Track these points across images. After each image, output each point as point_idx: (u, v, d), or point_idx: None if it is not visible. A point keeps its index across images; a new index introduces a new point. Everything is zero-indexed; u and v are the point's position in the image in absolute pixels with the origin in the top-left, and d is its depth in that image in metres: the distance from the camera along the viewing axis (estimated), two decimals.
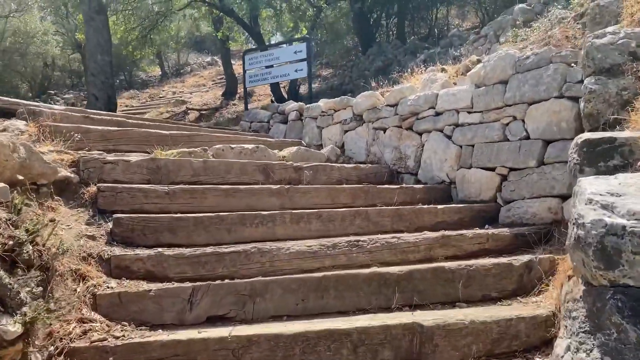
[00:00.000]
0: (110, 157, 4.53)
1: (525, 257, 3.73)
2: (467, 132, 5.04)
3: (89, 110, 6.21)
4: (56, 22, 21.30)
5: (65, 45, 21.40)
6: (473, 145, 4.98)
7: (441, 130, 5.35)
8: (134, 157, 4.60)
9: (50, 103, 22.75)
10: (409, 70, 7.52)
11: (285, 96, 15.55)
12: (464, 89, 5.16)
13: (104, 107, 10.53)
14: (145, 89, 25.29)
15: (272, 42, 17.48)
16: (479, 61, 6.75)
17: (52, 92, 23.91)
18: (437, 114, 5.41)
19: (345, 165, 5.62)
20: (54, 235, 3.53)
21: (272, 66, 9.97)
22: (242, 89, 12.07)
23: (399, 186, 5.07)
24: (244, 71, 10.13)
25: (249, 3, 14.55)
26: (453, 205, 4.70)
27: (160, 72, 27.64)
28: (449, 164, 5.21)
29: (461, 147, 5.13)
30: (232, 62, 29.21)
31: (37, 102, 22.80)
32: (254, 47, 17.23)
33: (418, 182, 5.56)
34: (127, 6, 16.51)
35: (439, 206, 4.63)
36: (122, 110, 21.81)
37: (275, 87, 13.51)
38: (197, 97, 21.39)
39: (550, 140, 4.37)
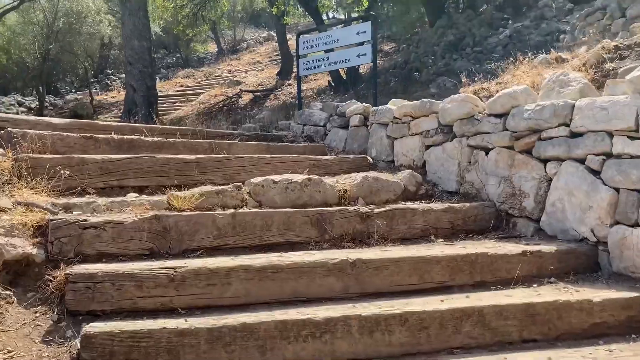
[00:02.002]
0: (94, 217, 3.02)
1: None
2: (630, 169, 3.18)
3: (98, 122, 4.77)
4: (110, 0, 20.26)
5: (120, 23, 20.37)
6: None
7: (581, 161, 3.51)
8: (129, 217, 3.07)
9: (107, 83, 21.99)
10: (511, 58, 5.58)
11: (344, 76, 13.76)
12: (620, 101, 3.27)
13: (142, 99, 9.17)
14: (202, 67, 24.14)
15: (331, 17, 15.60)
16: (616, 48, 4.76)
17: (110, 71, 23.17)
18: (574, 134, 3.56)
19: (433, 206, 3.87)
20: None
21: (331, 50, 8.22)
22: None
23: (520, 250, 3.28)
24: (297, 57, 8.41)
25: None
26: (616, 296, 2.88)
27: (216, 49, 26.38)
28: (597, 214, 3.37)
29: (618, 190, 3.28)
30: (289, 36, 27.56)
31: (94, 81, 22.03)
32: (310, 26, 15.48)
33: (539, 231, 3.75)
34: None
35: (595, 298, 2.83)
36: (177, 91, 20.73)
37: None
38: (252, 77, 19.98)
39: None
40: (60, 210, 3.17)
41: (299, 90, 8.33)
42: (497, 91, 4.92)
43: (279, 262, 2.92)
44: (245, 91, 17.01)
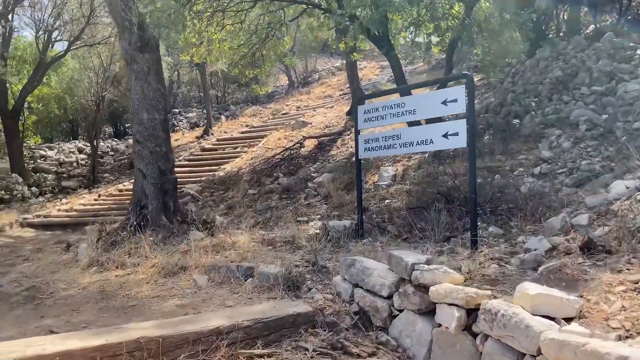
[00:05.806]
0: None
1: None
2: None
3: None
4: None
5: (183, 62, 18.74)
6: None
7: None
8: None
9: (173, 123, 20.43)
10: None
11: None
12: None
13: (153, 189, 6.70)
14: (270, 103, 22.06)
15: (407, 53, 12.63)
16: None
17: (177, 110, 21.62)
18: None
19: None
20: None
21: (416, 123, 5.45)
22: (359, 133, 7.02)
23: None
24: (356, 131, 5.69)
25: (375, 7, 9.96)
26: None
27: (287, 82, 24.28)
28: None
29: None
30: (364, 63, 24.68)
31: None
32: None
33: None
34: (235, 19, 12.95)
35: None
36: (242, 132, 18.62)
37: None
38: (320, 116, 17.49)
39: None
40: None
41: (359, 192, 5.52)
42: None
43: None
44: (310, 137, 14.58)
